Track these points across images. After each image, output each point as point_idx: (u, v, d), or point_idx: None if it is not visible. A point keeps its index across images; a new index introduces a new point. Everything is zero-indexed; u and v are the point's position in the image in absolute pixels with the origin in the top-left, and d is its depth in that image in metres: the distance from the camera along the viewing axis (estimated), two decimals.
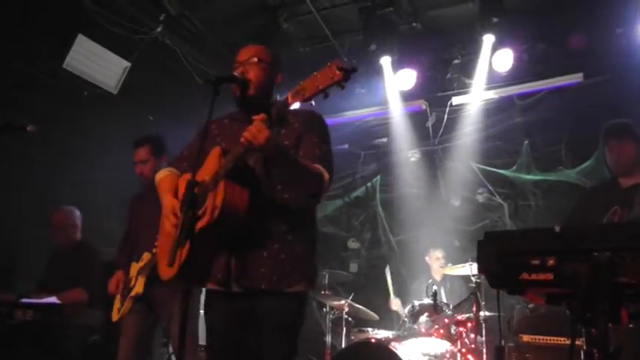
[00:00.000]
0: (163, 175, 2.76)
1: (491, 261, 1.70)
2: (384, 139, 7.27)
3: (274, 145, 2.27)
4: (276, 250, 2.48)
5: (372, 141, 7.39)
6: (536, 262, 1.61)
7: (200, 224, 2.32)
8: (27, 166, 5.56)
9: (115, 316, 4.01)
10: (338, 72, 2.08)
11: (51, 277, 4.97)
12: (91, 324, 4.86)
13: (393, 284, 5.87)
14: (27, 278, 5.24)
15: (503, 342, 3.99)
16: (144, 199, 4.07)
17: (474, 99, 6.45)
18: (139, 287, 3.90)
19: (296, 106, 2.32)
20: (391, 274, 5.92)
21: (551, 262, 1.59)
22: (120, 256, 4.23)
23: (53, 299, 4.61)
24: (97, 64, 5.99)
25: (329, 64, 2.12)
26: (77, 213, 5.18)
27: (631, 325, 1.74)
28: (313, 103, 2.23)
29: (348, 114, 6.97)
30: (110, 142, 6.02)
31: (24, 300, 4.56)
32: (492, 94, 6.36)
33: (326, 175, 2.48)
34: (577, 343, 1.67)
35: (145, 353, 4.00)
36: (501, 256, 1.69)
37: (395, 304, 5.83)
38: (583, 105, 5.73)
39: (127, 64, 6.15)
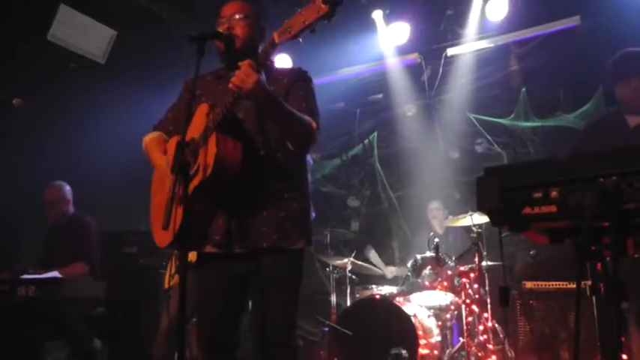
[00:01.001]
0: (150, 137, 2.72)
1: (493, 197, 1.63)
2: (380, 95, 7.17)
3: (263, 89, 2.23)
4: (275, 208, 2.47)
5: (368, 98, 7.28)
6: (538, 194, 1.55)
7: (193, 183, 2.27)
8: (18, 144, 5.51)
9: (165, 284, 4.03)
10: (323, 5, 2.03)
11: (50, 252, 4.99)
12: (95, 296, 4.87)
13: (396, 241, 5.86)
14: (26, 256, 5.24)
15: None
16: None
17: (469, 49, 6.33)
18: (192, 256, 3.91)
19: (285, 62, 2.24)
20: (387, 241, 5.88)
21: (554, 193, 1.52)
22: None
23: (55, 274, 4.61)
24: (83, 34, 5.86)
25: None
26: (67, 187, 5.22)
27: (637, 256, 1.69)
28: (300, 40, 2.16)
29: (342, 72, 6.86)
30: (101, 113, 5.95)
31: (25, 276, 4.57)
32: (488, 44, 6.23)
33: (314, 125, 2.47)
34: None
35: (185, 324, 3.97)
36: (503, 192, 1.63)
37: (390, 271, 5.84)
38: (580, 48, 5.61)
39: (113, 32, 6.02)
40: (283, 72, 2.65)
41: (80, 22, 5.78)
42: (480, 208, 1.74)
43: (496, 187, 1.62)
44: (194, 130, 2.39)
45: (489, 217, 1.73)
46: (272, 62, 2.65)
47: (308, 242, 2.56)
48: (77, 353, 4.69)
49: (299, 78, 2.62)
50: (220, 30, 2.52)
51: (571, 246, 1.68)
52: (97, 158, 5.78)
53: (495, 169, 1.73)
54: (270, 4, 5.67)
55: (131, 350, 3.88)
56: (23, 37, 5.46)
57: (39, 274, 4.64)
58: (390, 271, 5.85)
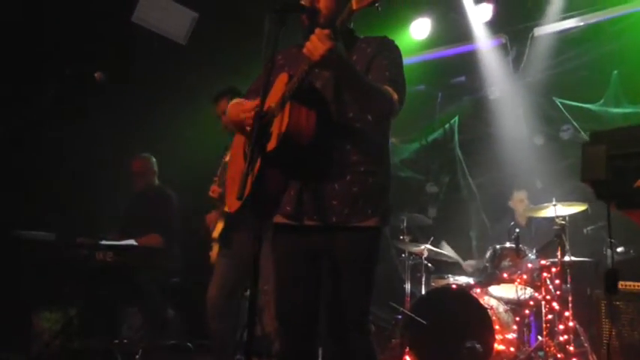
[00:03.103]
0: (233, 103, 2.68)
1: (599, 167, 1.45)
2: (462, 78, 6.97)
3: (337, 57, 2.12)
4: (348, 181, 2.37)
5: (450, 80, 7.08)
6: None
7: (268, 147, 2.23)
8: (103, 119, 5.70)
9: (212, 258, 4.10)
10: None
11: (130, 220, 5.19)
12: (170, 267, 4.98)
13: (474, 228, 5.67)
14: (108, 221, 5.44)
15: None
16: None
17: (557, 28, 5.99)
18: (215, 232, 3.94)
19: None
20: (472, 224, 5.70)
21: None
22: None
23: (131, 242, 4.74)
24: (165, 16, 5.98)
25: None
26: (154, 160, 5.41)
27: None
28: (379, 7, 2.04)
29: (424, 53, 6.67)
30: (183, 93, 6.07)
31: (104, 242, 4.73)
32: (577, 22, 5.88)
33: (395, 96, 2.34)
34: None
35: (231, 298, 4.03)
36: (611, 160, 1.44)
37: (470, 265, 5.64)
38: None
39: (194, 14, 6.11)
40: (368, 40, 2.54)
41: (163, 5, 5.90)
42: (585, 179, 1.55)
43: (604, 155, 1.43)
44: (272, 98, 2.34)
45: (594, 190, 1.54)
46: (354, 31, 2.57)
47: (383, 221, 2.44)
48: (151, 320, 4.84)
49: (384, 47, 2.50)
50: (303, 2, 2.45)
51: None
52: (177, 135, 5.90)
53: (603, 133, 1.54)
54: None
55: (202, 320, 3.99)
56: (109, 20, 5.60)
57: (117, 240, 4.80)
58: (470, 265, 5.66)
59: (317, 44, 2.07)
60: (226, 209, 2.61)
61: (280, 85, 2.35)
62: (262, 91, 2.19)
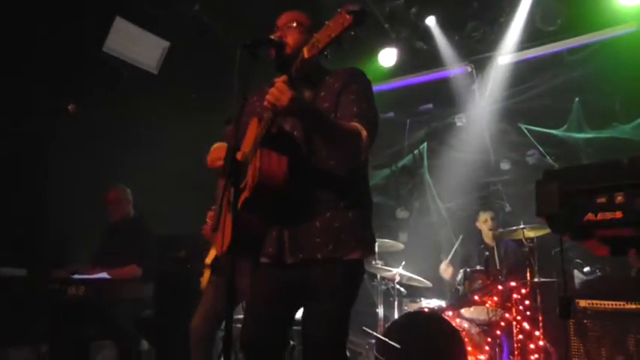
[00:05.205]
0: (214, 148, 2.75)
1: (553, 202, 1.55)
2: (430, 105, 7.12)
3: (300, 106, 2.18)
4: (328, 218, 2.40)
5: (418, 107, 7.23)
6: (602, 199, 1.47)
7: (242, 197, 2.28)
8: (74, 149, 5.66)
9: (202, 284, 4.08)
10: (347, 16, 1.94)
11: (105, 251, 5.12)
12: (143, 298, 4.94)
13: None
14: (80, 254, 5.39)
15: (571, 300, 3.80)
16: None
17: (521, 58, 6.21)
18: (208, 258, 3.97)
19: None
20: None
21: (619, 198, 1.44)
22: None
23: (104, 275, 4.71)
24: (137, 45, 6.02)
25: (339, 10, 1.99)
26: (129, 190, 5.36)
27: None
28: (328, 55, 2.09)
29: (392, 80, 6.81)
30: (154, 122, 6.08)
31: (76, 276, 4.68)
32: (539, 52, 6.09)
33: (364, 133, 2.36)
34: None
35: (217, 327, 3.99)
36: (563, 197, 1.55)
37: (447, 272, 5.69)
38: (637, 55, 5.41)
39: (166, 43, 6.16)
40: (336, 74, 2.55)
41: (134, 34, 5.93)
42: (540, 214, 1.65)
43: (556, 192, 1.53)
44: (247, 144, 2.40)
45: (549, 224, 1.64)
46: (322, 66, 2.61)
47: (367, 252, 2.46)
48: (124, 354, 4.77)
49: (351, 80, 2.51)
50: (272, 37, 2.52)
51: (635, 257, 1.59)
52: (150, 164, 5.89)
53: (555, 172, 1.65)
54: (334, 9, 5.71)
55: (177, 352, 3.94)
56: (80, 49, 5.60)
57: (89, 274, 4.75)
58: (447, 272, 5.70)
59: (277, 95, 2.13)
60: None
61: (253, 129, 2.42)
62: (234, 133, 2.26)
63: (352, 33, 1.99)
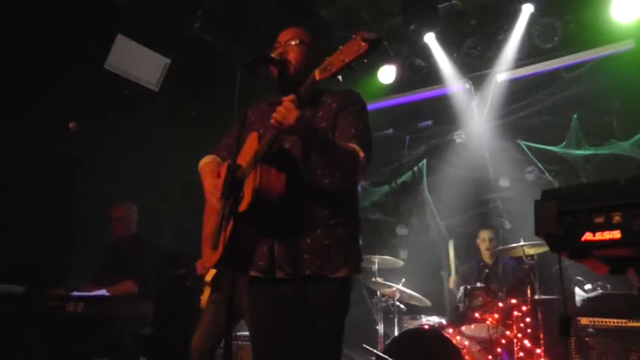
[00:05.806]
0: (205, 161, 2.76)
1: (551, 222, 1.56)
2: (429, 122, 7.14)
3: (305, 125, 2.22)
4: (319, 235, 2.43)
5: (417, 124, 7.25)
6: (600, 219, 1.48)
7: (239, 209, 2.30)
8: (76, 166, 5.67)
9: (202, 302, 4.08)
10: (363, 43, 1.99)
11: (106, 267, 5.13)
12: (142, 315, 4.93)
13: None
14: (80, 271, 5.38)
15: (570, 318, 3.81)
16: None
17: (519, 75, 6.25)
18: (208, 276, 3.97)
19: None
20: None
21: (617, 218, 1.45)
22: None
23: (103, 292, 4.71)
24: (138, 62, 6.06)
25: (353, 36, 2.03)
26: (135, 208, 5.40)
27: None
28: (340, 78, 2.13)
29: (391, 97, 6.83)
30: (155, 139, 6.10)
31: (75, 293, 4.67)
32: (538, 69, 6.14)
33: (361, 154, 2.41)
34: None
35: (217, 344, 3.98)
36: (561, 216, 1.56)
37: (454, 282, 5.69)
38: (635, 72, 5.44)
39: (167, 60, 6.21)
40: (334, 95, 2.60)
41: (135, 51, 5.97)
42: (538, 233, 1.67)
43: (554, 211, 1.55)
44: (243, 158, 2.42)
45: (547, 243, 1.65)
46: (320, 86, 2.64)
47: (354, 270, 2.49)
48: None
49: (348, 101, 2.56)
50: (273, 55, 2.54)
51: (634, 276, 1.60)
52: (150, 181, 5.90)
53: (553, 191, 1.66)
54: (336, 30, 5.78)
55: None
56: (82, 66, 5.64)
57: (88, 291, 4.75)
58: (454, 282, 5.71)
59: (285, 114, 2.15)
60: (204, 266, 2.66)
61: (251, 143, 2.43)
62: (234, 148, 2.28)
63: (365, 60, 2.03)
